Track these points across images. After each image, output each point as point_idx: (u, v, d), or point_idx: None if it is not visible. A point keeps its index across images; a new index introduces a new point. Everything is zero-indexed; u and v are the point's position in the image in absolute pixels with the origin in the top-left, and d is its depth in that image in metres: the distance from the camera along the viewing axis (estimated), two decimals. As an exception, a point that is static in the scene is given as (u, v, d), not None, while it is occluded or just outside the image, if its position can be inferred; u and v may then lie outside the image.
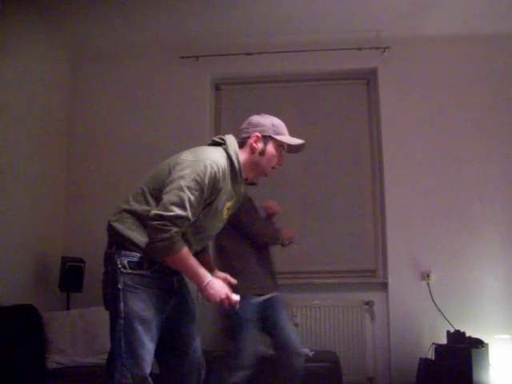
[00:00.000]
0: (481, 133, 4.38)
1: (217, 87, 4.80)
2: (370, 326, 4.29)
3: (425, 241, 4.28)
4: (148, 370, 2.08)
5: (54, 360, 3.41)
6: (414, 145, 4.42)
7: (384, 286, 4.32)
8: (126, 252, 2.13)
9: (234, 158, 2.22)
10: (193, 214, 2.05)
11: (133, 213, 2.16)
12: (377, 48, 4.43)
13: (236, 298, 2.18)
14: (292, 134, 2.45)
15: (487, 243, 4.23)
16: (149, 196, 2.16)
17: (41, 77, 4.24)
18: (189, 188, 2.04)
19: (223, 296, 2.13)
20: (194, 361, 2.31)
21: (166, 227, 2.00)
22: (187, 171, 2.07)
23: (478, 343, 3.67)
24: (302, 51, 4.47)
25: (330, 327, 4.25)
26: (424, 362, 3.85)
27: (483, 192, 4.30)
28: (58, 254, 4.23)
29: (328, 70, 4.66)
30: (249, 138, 2.30)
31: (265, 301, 3.16)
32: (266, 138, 2.30)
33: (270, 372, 3.24)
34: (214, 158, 2.12)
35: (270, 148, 2.31)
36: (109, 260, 2.20)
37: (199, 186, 2.05)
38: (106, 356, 3.45)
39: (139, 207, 2.16)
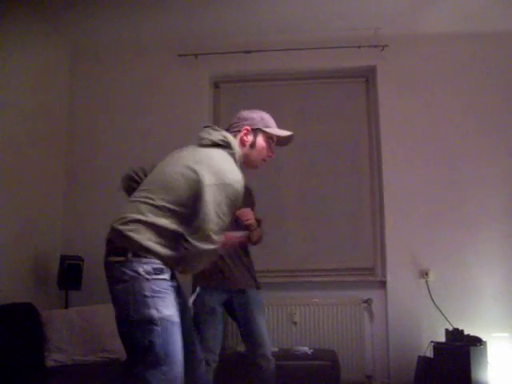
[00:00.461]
0: (480, 131, 4.38)
1: (215, 85, 4.80)
2: (368, 324, 4.29)
3: (423, 239, 4.29)
4: (183, 372, 2.07)
5: (53, 358, 3.41)
6: (412, 143, 4.42)
7: (383, 284, 4.33)
8: (146, 260, 2.10)
9: (236, 156, 2.27)
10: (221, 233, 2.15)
11: (151, 225, 2.12)
12: (376, 46, 4.43)
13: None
14: (291, 131, 2.46)
15: (486, 241, 4.23)
16: (166, 210, 2.13)
17: (40, 75, 4.23)
18: (224, 215, 2.10)
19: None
20: (197, 356, 2.32)
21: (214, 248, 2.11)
22: (219, 197, 2.09)
23: (477, 341, 3.68)
24: (300, 49, 4.47)
25: (328, 325, 4.25)
26: (422, 359, 3.85)
27: (482, 190, 4.30)
28: (56, 252, 4.23)
29: (327, 68, 4.65)
30: (239, 131, 2.35)
31: (232, 296, 3.20)
32: (256, 131, 2.36)
33: (242, 371, 3.26)
34: (235, 176, 2.14)
35: (260, 140, 2.37)
36: (125, 268, 2.12)
37: (232, 209, 2.14)
38: (104, 354, 3.52)
39: (159, 221, 2.12)
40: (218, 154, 2.23)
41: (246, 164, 2.36)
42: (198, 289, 3.22)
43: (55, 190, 4.47)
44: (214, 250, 2.11)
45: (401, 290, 4.26)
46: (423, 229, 4.30)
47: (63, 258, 4.00)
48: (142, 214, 2.14)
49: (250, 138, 2.35)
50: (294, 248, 4.53)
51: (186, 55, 4.57)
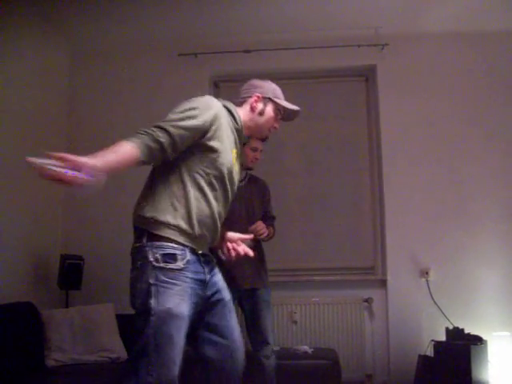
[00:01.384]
0: (480, 130, 4.38)
1: (215, 84, 4.80)
2: (368, 323, 4.29)
3: (424, 238, 4.29)
4: (176, 371, 2.01)
5: (53, 358, 3.40)
6: (412, 142, 4.42)
7: (383, 283, 4.33)
8: (158, 243, 2.05)
9: (229, 106, 2.30)
10: (179, 135, 2.08)
11: (155, 195, 2.14)
12: (376, 45, 4.43)
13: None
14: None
15: (486, 240, 4.23)
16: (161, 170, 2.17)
17: (40, 75, 4.23)
18: (173, 113, 2.19)
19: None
20: (236, 352, 2.23)
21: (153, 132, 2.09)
22: (178, 108, 2.20)
23: (477, 340, 3.68)
24: (300, 48, 4.46)
25: (328, 324, 4.26)
26: (423, 358, 3.85)
27: (482, 189, 4.30)
28: (56, 252, 4.23)
29: (327, 67, 4.65)
30: (249, 97, 2.36)
31: (241, 293, 3.21)
32: (266, 100, 2.36)
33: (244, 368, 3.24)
34: (205, 97, 2.25)
35: (269, 109, 2.37)
36: (138, 254, 2.11)
37: (190, 112, 2.16)
38: (105, 354, 3.52)
39: (158, 187, 2.16)
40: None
41: (252, 131, 2.37)
42: None
43: (55, 190, 4.46)
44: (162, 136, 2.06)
45: (401, 289, 4.26)
46: (423, 228, 4.30)
47: (63, 258, 4.00)
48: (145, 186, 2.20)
49: (259, 105, 2.35)
50: (295, 247, 4.53)
51: (186, 54, 4.57)
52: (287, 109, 2.41)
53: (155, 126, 2.08)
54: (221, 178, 2.16)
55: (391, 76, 4.51)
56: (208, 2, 4.06)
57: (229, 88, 4.80)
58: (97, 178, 1.93)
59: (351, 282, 4.36)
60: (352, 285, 4.35)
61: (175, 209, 2.09)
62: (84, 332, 3.56)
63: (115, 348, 3.60)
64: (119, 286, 4.31)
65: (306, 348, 3.91)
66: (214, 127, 2.15)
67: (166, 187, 2.12)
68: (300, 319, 4.28)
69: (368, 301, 4.29)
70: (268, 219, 3.43)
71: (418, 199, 4.34)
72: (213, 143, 2.13)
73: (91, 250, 4.31)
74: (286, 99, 2.44)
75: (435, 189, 4.33)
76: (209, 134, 2.14)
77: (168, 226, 2.07)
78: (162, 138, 2.05)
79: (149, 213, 2.11)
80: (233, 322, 2.25)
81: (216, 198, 2.16)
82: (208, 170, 2.13)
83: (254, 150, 3.33)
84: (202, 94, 2.48)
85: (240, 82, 5.11)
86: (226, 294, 2.28)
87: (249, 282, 3.25)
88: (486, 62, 4.45)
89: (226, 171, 2.17)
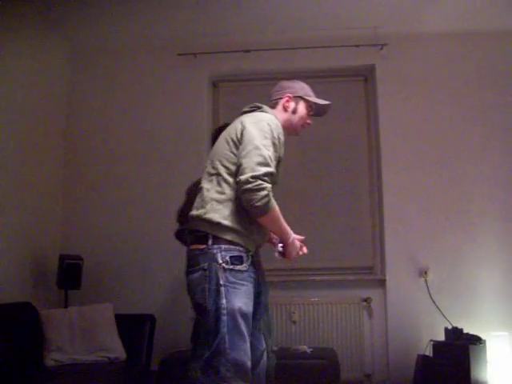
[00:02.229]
0: (479, 130, 4.38)
1: (214, 84, 4.80)
2: (367, 323, 4.29)
3: (422, 238, 4.29)
4: (250, 365, 2.14)
5: (52, 358, 3.40)
6: (411, 141, 4.42)
7: (382, 282, 4.33)
8: (226, 246, 2.16)
9: (273, 115, 2.37)
10: (274, 168, 2.18)
11: (222, 201, 2.20)
12: (374, 45, 4.43)
13: (305, 249, 2.50)
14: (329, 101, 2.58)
15: (485, 240, 4.23)
16: (228, 177, 2.22)
17: (39, 74, 4.23)
18: (264, 145, 2.17)
19: (299, 250, 2.46)
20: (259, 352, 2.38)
21: (261, 185, 2.09)
22: (255, 132, 2.20)
23: (476, 340, 3.68)
24: (299, 48, 4.47)
25: (327, 324, 4.26)
26: (422, 358, 3.86)
27: (481, 189, 4.31)
28: (56, 252, 4.23)
29: (325, 67, 4.65)
30: (281, 99, 2.49)
31: None
32: (297, 99, 2.50)
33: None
34: (267, 117, 2.30)
35: (301, 107, 2.50)
36: (205, 255, 2.17)
37: (271, 141, 2.20)
38: (103, 353, 3.51)
39: (225, 193, 2.20)
40: (250, 114, 2.39)
41: (287, 129, 2.45)
42: None
43: (54, 190, 4.46)
44: (261, 186, 2.09)
45: (400, 288, 4.26)
46: (422, 228, 4.30)
47: (62, 258, 3.99)
48: (209, 191, 2.22)
49: (291, 104, 2.48)
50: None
51: (185, 54, 4.57)
52: (319, 104, 2.54)
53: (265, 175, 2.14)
54: (277, 184, 2.30)
55: (390, 76, 4.51)
56: (207, 1, 4.06)
57: (228, 88, 4.81)
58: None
59: (350, 281, 4.36)
60: (351, 284, 4.35)
61: (238, 214, 2.19)
62: (83, 332, 3.56)
63: (114, 348, 3.60)
64: (118, 285, 4.35)
65: (305, 348, 3.91)
66: (283, 149, 2.34)
67: (229, 194, 2.20)
68: (299, 319, 4.28)
69: (367, 300, 4.29)
70: None
71: (416, 199, 4.34)
72: (280, 160, 2.32)
73: (90, 250, 4.31)
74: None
75: (434, 189, 4.34)
76: (279, 154, 2.31)
77: (233, 230, 2.17)
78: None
79: (215, 218, 2.18)
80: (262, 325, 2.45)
81: None
82: None
83: None
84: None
85: (239, 82, 5.15)
86: (265, 296, 2.50)
87: (263, 279, 3.23)
88: (485, 62, 4.45)
89: (279, 181, 2.33)
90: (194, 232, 2.24)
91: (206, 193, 2.23)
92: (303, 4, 4.10)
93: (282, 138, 2.29)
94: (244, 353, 2.12)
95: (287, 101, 2.48)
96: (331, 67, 4.66)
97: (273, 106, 2.50)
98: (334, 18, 4.28)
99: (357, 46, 4.42)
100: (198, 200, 2.27)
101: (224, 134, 2.36)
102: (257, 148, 2.14)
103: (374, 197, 4.55)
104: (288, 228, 2.33)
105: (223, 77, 4.77)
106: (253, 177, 2.08)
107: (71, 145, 4.63)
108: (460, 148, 4.38)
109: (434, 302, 4.17)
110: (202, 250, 2.17)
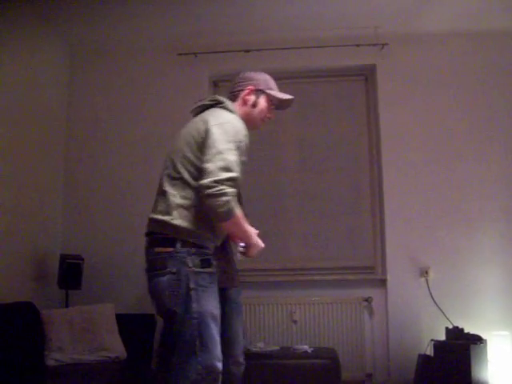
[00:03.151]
0: (479, 130, 4.38)
1: (215, 84, 4.80)
2: (368, 323, 4.29)
3: (423, 237, 4.29)
4: (221, 367, 2.13)
5: (53, 357, 3.40)
6: (412, 141, 4.41)
7: (383, 282, 4.33)
8: (195, 250, 2.13)
9: (236, 113, 2.33)
10: (238, 173, 2.12)
11: (188, 207, 2.15)
12: (375, 44, 4.43)
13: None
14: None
15: (486, 240, 4.23)
16: (192, 181, 2.17)
17: (39, 75, 4.23)
18: (228, 149, 2.10)
19: (260, 248, 2.31)
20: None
21: (223, 191, 2.04)
22: (219, 135, 2.14)
23: (477, 339, 3.68)
24: (299, 48, 4.46)
25: (328, 324, 4.25)
26: (423, 358, 3.86)
27: (482, 189, 4.30)
28: (56, 252, 4.24)
29: (326, 66, 4.65)
30: (242, 90, 2.44)
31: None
32: (258, 92, 2.44)
33: None
34: (232, 118, 2.24)
35: (262, 101, 2.44)
36: (172, 259, 2.12)
37: (235, 145, 2.14)
38: (104, 353, 3.52)
39: (190, 198, 2.16)
40: (213, 110, 2.33)
41: (246, 123, 2.34)
42: None
43: (55, 189, 4.47)
44: (223, 192, 2.03)
45: (401, 288, 4.26)
46: (423, 227, 4.30)
47: (63, 257, 4.00)
48: (174, 196, 2.17)
49: (252, 97, 2.43)
50: (294, 247, 4.53)
51: (185, 54, 4.57)
52: (281, 99, 2.47)
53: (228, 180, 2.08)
54: (239, 187, 2.26)
55: (391, 76, 4.51)
56: (207, 1, 4.06)
57: (228, 87, 4.80)
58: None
59: (351, 281, 4.36)
60: (352, 284, 4.35)
61: (205, 217, 2.14)
62: (84, 332, 3.56)
63: (115, 347, 3.60)
64: (119, 285, 4.35)
65: (305, 347, 3.91)
66: (247, 151, 2.26)
67: (194, 199, 2.16)
68: (300, 319, 4.28)
69: (368, 300, 4.29)
70: None
71: (417, 198, 4.34)
72: (244, 162, 2.23)
73: (91, 250, 4.31)
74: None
75: (435, 188, 4.33)
76: (244, 157, 2.22)
77: (200, 234, 2.15)
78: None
79: (182, 224, 2.14)
80: None
81: None
82: None
83: None
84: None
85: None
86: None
87: (223, 281, 3.12)
88: (486, 62, 4.45)
89: (241, 183, 2.27)
90: (157, 234, 2.19)
91: (171, 198, 2.17)
92: (304, 4, 4.10)
93: (247, 140, 2.22)
94: (214, 356, 2.10)
95: (248, 94, 2.42)
96: (332, 67, 4.66)
97: (233, 98, 2.44)
98: (335, 18, 4.28)
99: (357, 45, 4.42)
100: (162, 204, 2.20)
101: (185, 133, 2.30)
102: (220, 152, 2.09)
103: (374, 196, 4.55)
104: (250, 230, 2.25)
105: (224, 76, 4.76)
106: (215, 181, 2.04)
107: (71, 144, 4.63)
108: (460, 147, 4.37)
109: (434, 302, 4.17)
110: (170, 253, 2.12)
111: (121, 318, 3.75)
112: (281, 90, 2.56)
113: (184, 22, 4.33)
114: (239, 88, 2.45)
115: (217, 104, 2.36)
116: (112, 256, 4.39)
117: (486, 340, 3.71)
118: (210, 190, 2.03)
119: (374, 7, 4.15)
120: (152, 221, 2.22)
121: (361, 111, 4.68)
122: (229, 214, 2.08)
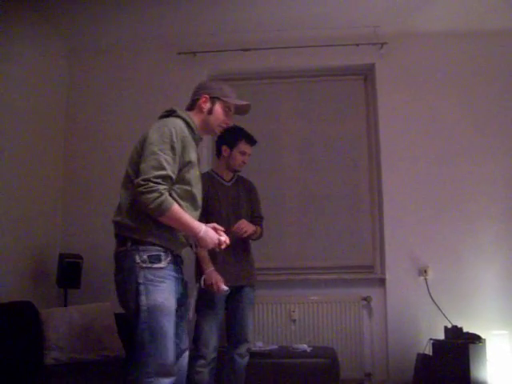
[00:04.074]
0: (479, 129, 4.38)
1: (214, 83, 4.80)
2: (367, 322, 4.29)
3: (422, 237, 4.29)
4: (173, 358, 2.21)
5: (52, 356, 3.40)
6: (411, 140, 4.41)
7: (382, 281, 4.33)
8: (143, 247, 2.25)
9: (186, 118, 2.45)
10: (172, 171, 2.28)
11: (134, 207, 2.29)
12: (374, 44, 4.43)
13: (224, 239, 2.39)
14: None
15: (485, 239, 4.23)
16: (129, 181, 2.36)
17: (38, 73, 4.22)
18: (161, 150, 2.27)
19: (216, 241, 2.36)
20: (181, 347, 2.44)
21: (152, 188, 2.19)
22: (154, 138, 2.32)
23: (476, 339, 3.68)
24: (299, 47, 4.46)
25: (327, 323, 4.25)
26: (422, 357, 3.86)
27: (481, 188, 4.30)
28: (55, 251, 4.23)
29: (325, 65, 4.65)
30: (198, 99, 2.56)
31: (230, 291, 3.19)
32: (214, 99, 2.57)
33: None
34: (171, 122, 2.40)
35: (218, 108, 2.57)
36: (125, 257, 2.28)
37: (169, 145, 2.29)
38: (103, 352, 3.52)
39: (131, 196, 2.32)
40: (163, 120, 2.47)
41: (203, 129, 2.56)
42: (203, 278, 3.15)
43: (54, 189, 4.46)
44: (152, 188, 2.19)
45: (400, 287, 4.26)
46: (422, 226, 4.30)
47: (62, 257, 4.00)
48: (124, 198, 2.35)
49: (207, 105, 2.55)
50: (293, 246, 4.53)
51: (184, 53, 4.57)
52: (237, 105, 2.61)
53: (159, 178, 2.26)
54: (195, 196, 2.43)
55: (390, 75, 4.51)
56: (207, 1, 4.05)
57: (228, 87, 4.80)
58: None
59: (350, 280, 4.36)
60: (351, 283, 4.35)
61: (147, 215, 2.29)
62: (83, 331, 3.56)
63: (114, 346, 3.60)
64: (118, 284, 4.34)
65: (304, 347, 3.91)
66: (186, 152, 2.39)
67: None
68: (299, 318, 4.28)
69: (367, 299, 4.29)
70: (255, 219, 3.48)
71: (416, 198, 4.34)
72: (189, 164, 2.38)
73: (90, 249, 4.31)
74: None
75: (434, 187, 4.34)
76: (184, 159, 2.37)
77: (148, 231, 2.28)
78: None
79: (130, 223, 2.30)
80: (184, 325, 2.48)
81: (187, 207, 2.37)
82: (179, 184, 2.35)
83: (243, 153, 3.45)
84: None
85: (239, 81, 5.16)
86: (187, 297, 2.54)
87: (233, 280, 3.24)
88: (485, 61, 4.45)
89: (199, 191, 2.45)
90: (116, 236, 2.37)
91: (122, 200, 2.35)
92: (303, 3, 4.10)
93: (185, 140, 2.36)
94: (166, 348, 2.18)
95: (204, 101, 2.54)
96: (331, 66, 4.65)
97: (190, 108, 2.58)
98: (334, 17, 4.28)
99: (357, 44, 4.42)
100: (118, 206, 2.38)
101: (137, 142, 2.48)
102: (153, 153, 2.26)
103: (373, 196, 4.55)
104: (195, 223, 2.32)
105: (223, 75, 4.75)
106: (143, 179, 2.20)
107: (71, 144, 4.63)
108: (460, 147, 4.37)
109: (433, 301, 4.17)
110: (124, 252, 2.29)
111: (120, 317, 3.74)
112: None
113: (183, 21, 4.34)
114: (195, 97, 2.59)
115: (171, 113, 2.50)
116: (111, 255, 4.37)
117: (484, 339, 3.71)
118: (140, 188, 2.19)
119: (373, 6, 4.15)
120: (113, 223, 2.39)
121: (360, 110, 4.68)
122: (160, 209, 2.20)
